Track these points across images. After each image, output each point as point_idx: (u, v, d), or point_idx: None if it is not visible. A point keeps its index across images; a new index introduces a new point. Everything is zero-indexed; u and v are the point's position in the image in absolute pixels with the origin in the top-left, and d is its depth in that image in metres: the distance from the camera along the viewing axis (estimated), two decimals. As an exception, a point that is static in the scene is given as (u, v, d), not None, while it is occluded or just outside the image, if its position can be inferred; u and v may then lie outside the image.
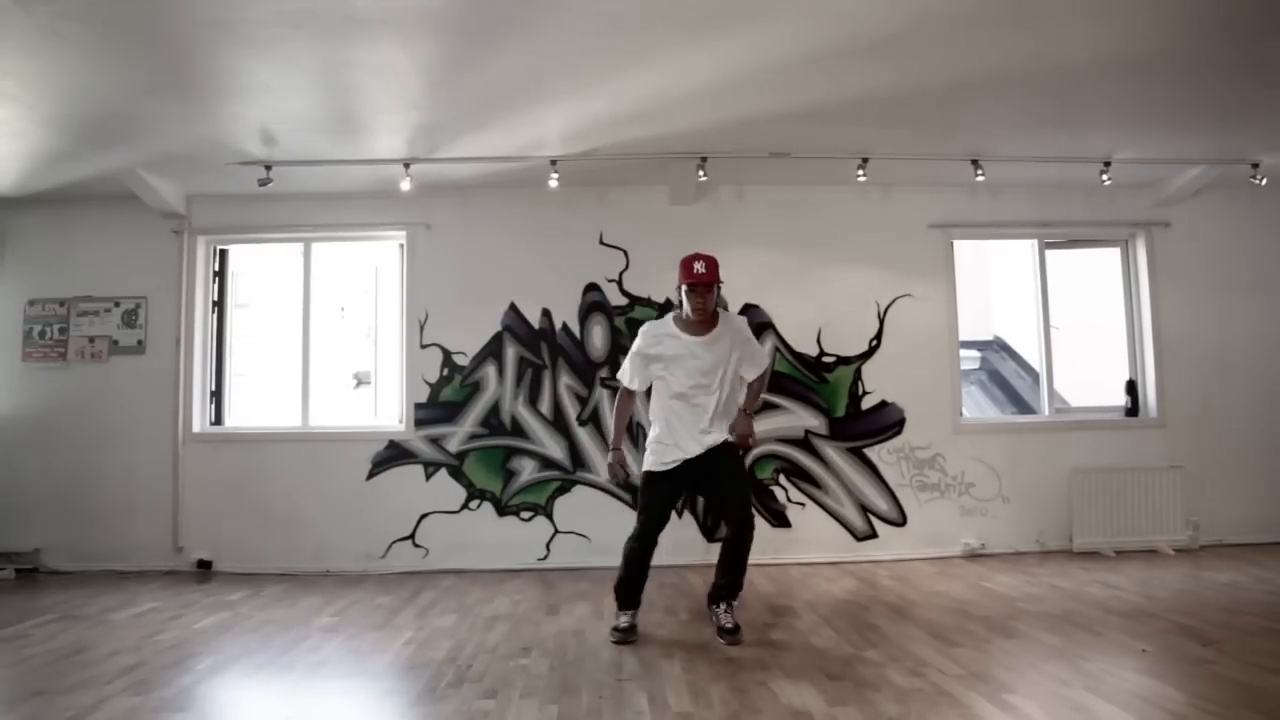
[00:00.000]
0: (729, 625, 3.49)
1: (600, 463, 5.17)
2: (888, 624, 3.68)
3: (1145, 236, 5.47)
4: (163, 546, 5.12)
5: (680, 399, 3.49)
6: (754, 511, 3.58)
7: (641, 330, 3.62)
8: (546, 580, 4.77)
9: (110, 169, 4.66)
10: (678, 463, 3.48)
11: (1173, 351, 5.41)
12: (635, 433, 5.13)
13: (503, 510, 5.17)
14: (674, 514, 4.94)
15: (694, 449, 3.47)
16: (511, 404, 5.21)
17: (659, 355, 3.52)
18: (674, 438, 3.50)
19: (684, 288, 3.46)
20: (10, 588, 4.76)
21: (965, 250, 5.59)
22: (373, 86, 3.69)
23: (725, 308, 3.71)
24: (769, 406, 5.20)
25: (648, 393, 3.68)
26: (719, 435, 3.49)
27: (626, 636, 3.48)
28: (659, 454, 3.53)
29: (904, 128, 4.33)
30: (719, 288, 3.52)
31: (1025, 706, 2.65)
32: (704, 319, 3.48)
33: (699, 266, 3.42)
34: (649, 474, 3.56)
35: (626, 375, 3.64)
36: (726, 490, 3.52)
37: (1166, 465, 5.24)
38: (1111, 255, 5.66)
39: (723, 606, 3.55)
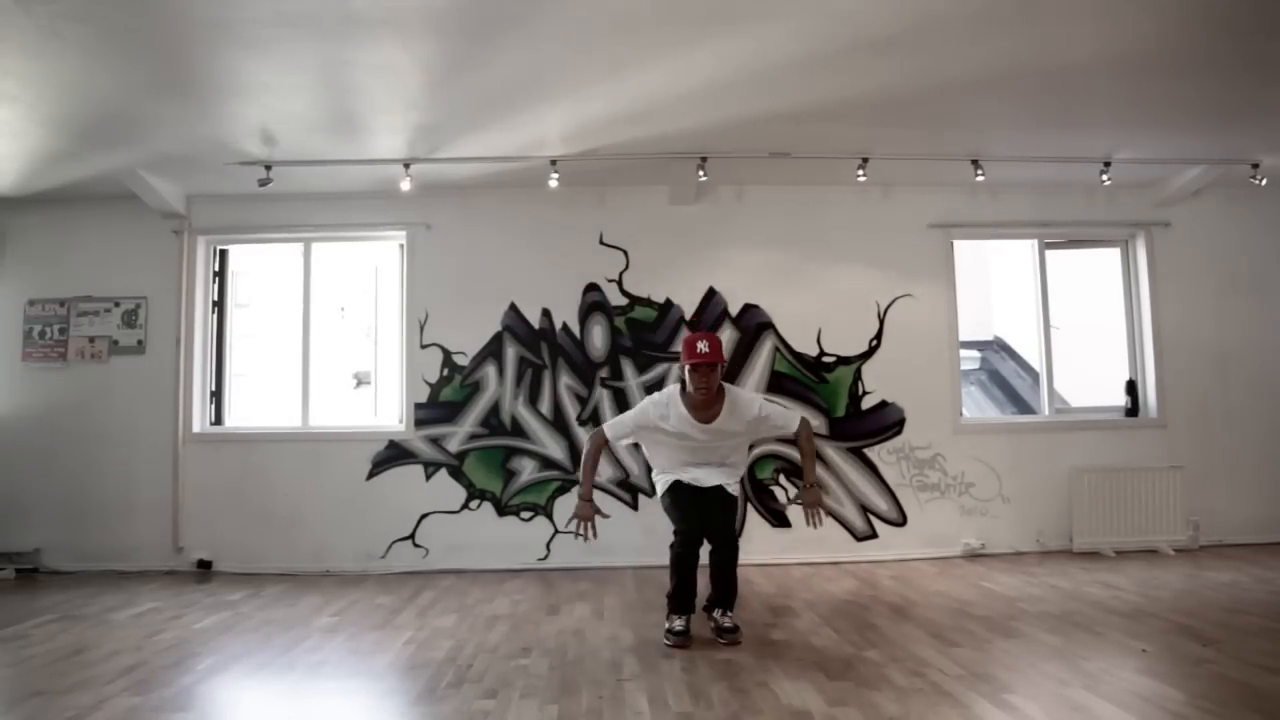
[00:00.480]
0: (728, 625, 3.49)
1: (601, 463, 5.13)
2: (888, 624, 3.68)
3: (1145, 236, 5.47)
4: (163, 546, 5.12)
5: (687, 473, 3.55)
6: (735, 549, 3.54)
7: (650, 400, 3.60)
8: (546, 580, 4.77)
9: (110, 169, 4.66)
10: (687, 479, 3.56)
11: (1173, 351, 5.41)
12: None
13: (503, 510, 5.17)
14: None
15: (699, 481, 3.55)
16: (511, 404, 5.21)
17: (661, 429, 3.52)
18: (677, 473, 3.58)
19: (687, 367, 3.41)
20: (10, 588, 4.76)
21: (965, 250, 5.59)
22: (373, 86, 3.69)
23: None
24: (769, 406, 5.20)
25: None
26: (725, 482, 3.55)
27: (680, 640, 3.42)
28: (667, 479, 3.60)
29: (904, 128, 4.33)
30: (723, 367, 3.53)
31: (1025, 706, 2.65)
32: (708, 398, 3.44)
33: (702, 346, 3.38)
34: (667, 491, 3.59)
35: (618, 430, 3.61)
36: (718, 517, 3.53)
37: (1167, 465, 5.23)
38: (1111, 255, 5.66)
39: (719, 611, 3.55)
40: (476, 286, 5.24)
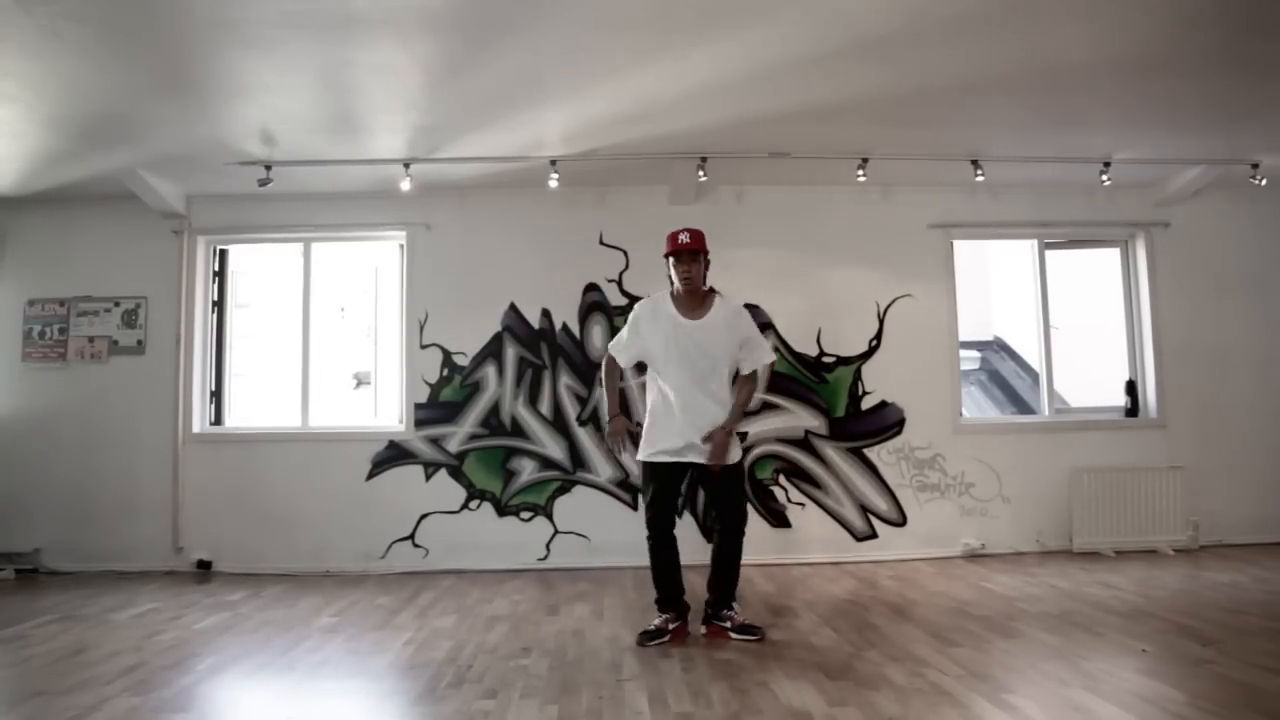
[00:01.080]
0: (746, 623, 3.50)
1: (601, 463, 5.17)
2: (888, 624, 3.68)
3: (1145, 236, 5.47)
4: (163, 547, 5.12)
5: (674, 391, 3.45)
6: (741, 521, 3.54)
7: (639, 303, 3.66)
8: (546, 580, 4.77)
9: (110, 169, 4.66)
10: (664, 459, 3.47)
11: (1173, 351, 5.41)
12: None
13: (503, 510, 5.17)
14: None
15: (681, 453, 3.43)
16: (511, 404, 5.21)
17: (653, 334, 3.49)
18: (661, 431, 3.48)
19: (670, 260, 3.51)
20: (10, 588, 4.76)
21: (965, 250, 5.59)
22: (373, 86, 3.69)
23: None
24: (769, 407, 5.20)
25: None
26: (730, 458, 3.48)
27: (643, 639, 3.42)
28: (648, 444, 3.54)
29: (904, 128, 4.33)
30: (706, 260, 3.55)
31: (1025, 706, 2.65)
32: (693, 289, 3.49)
33: (683, 236, 3.49)
34: (643, 464, 3.57)
35: (619, 345, 3.63)
36: (720, 504, 3.55)
37: (1167, 465, 5.24)
38: (1111, 255, 5.66)
39: (724, 610, 3.52)
40: (476, 286, 5.24)
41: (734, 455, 3.52)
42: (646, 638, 3.44)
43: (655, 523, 3.51)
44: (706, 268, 3.57)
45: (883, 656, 3.20)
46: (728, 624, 3.50)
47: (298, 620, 3.96)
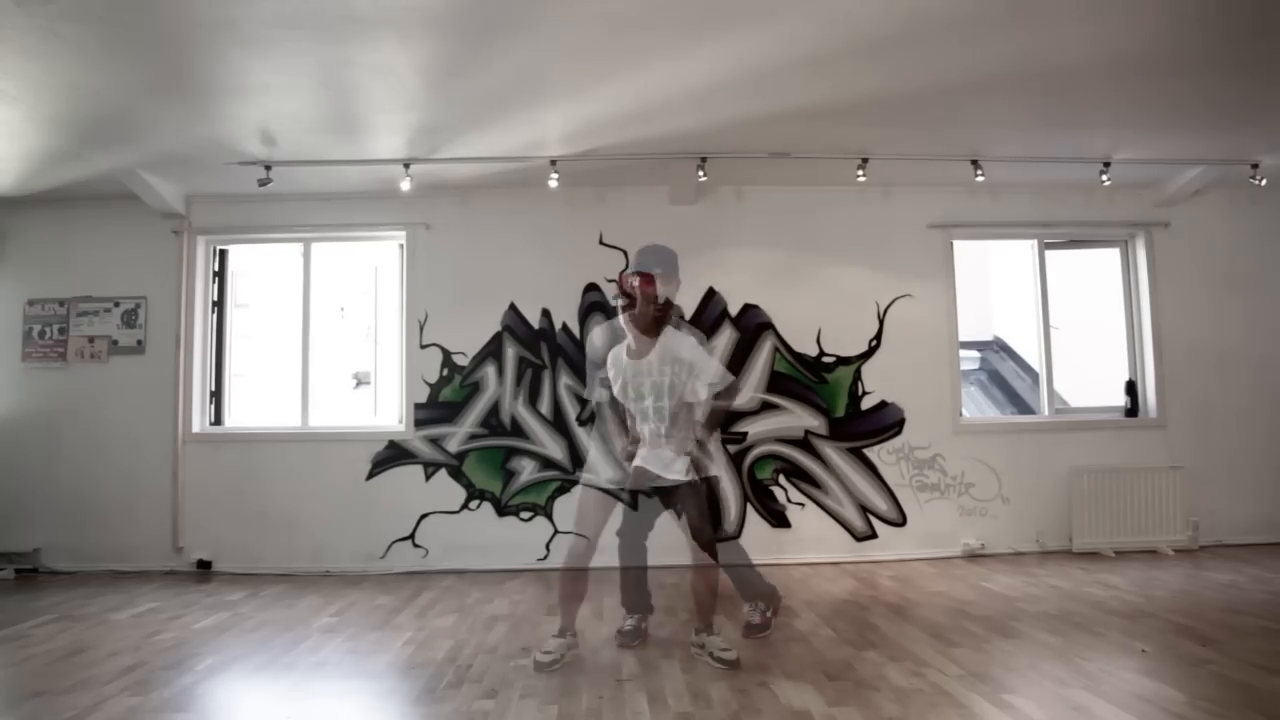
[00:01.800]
0: (751, 621, 3.54)
1: (598, 462, 5.17)
2: (888, 624, 3.68)
3: (1145, 236, 5.47)
4: (163, 546, 5.12)
5: (635, 423, 3.41)
6: (705, 542, 3.27)
7: (601, 326, 3.57)
8: (546, 580, 4.77)
9: (110, 169, 4.66)
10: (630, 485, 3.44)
11: (1173, 351, 5.41)
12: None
13: (502, 510, 5.17)
14: (675, 516, 4.97)
15: (638, 481, 3.38)
16: (511, 404, 5.21)
17: (610, 365, 3.43)
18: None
19: (620, 302, 3.33)
20: (10, 588, 4.76)
21: (965, 250, 5.59)
22: (373, 86, 3.69)
23: (681, 318, 3.58)
24: (769, 406, 5.20)
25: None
26: (673, 475, 3.26)
27: (622, 640, 3.45)
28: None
29: (904, 128, 4.33)
30: (654, 304, 3.26)
31: (1025, 706, 2.65)
32: (642, 329, 3.29)
33: (633, 281, 3.26)
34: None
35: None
36: (684, 523, 3.32)
37: (1166, 465, 5.24)
38: (1111, 255, 5.66)
39: (748, 606, 3.59)
40: (476, 286, 5.24)
41: (680, 473, 3.26)
42: (628, 638, 3.46)
43: (625, 539, 3.55)
44: (654, 310, 3.28)
45: (883, 656, 3.20)
46: (749, 622, 3.56)
47: (297, 620, 3.96)
